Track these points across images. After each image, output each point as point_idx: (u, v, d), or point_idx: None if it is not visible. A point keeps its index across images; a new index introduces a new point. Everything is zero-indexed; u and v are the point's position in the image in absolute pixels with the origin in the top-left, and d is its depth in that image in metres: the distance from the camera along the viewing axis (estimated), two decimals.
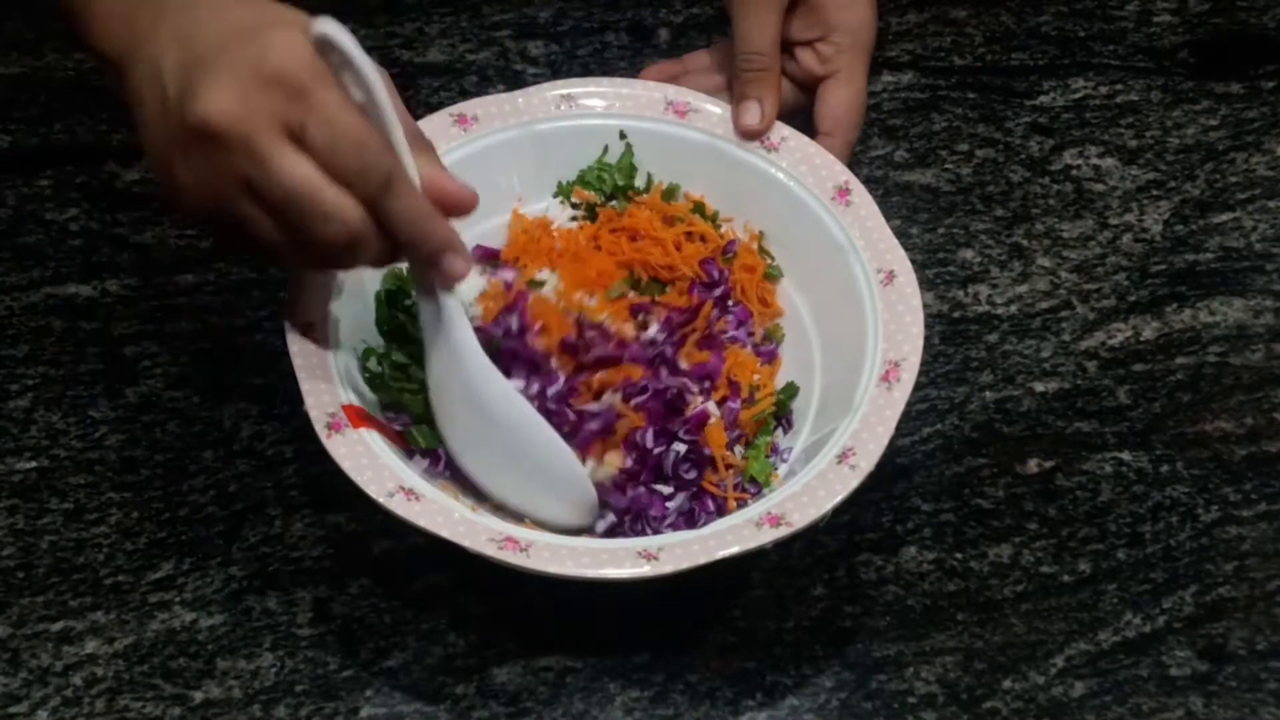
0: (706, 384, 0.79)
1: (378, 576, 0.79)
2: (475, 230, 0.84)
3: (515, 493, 0.76)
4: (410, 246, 0.67)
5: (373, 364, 0.78)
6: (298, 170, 0.62)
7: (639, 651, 0.77)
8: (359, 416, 0.73)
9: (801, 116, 0.88)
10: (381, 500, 0.70)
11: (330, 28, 0.62)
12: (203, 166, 0.63)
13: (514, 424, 0.74)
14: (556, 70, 0.99)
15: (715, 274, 0.83)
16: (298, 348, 0.75)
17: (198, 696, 0.75)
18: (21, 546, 0.79)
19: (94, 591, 0.77)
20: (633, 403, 0.76)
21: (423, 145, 0.68)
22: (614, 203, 0.86)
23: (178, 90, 0.62)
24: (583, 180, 0.86)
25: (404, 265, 0.80)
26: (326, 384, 0.74)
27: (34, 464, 0.81)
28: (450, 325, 0.72)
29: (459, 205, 0.69)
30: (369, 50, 0.64)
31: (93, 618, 0.77)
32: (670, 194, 0.86)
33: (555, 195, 0.86)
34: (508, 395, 0.74)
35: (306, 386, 0.73)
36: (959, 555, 0.81)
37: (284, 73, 0.61)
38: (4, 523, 0.79)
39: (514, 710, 0.75)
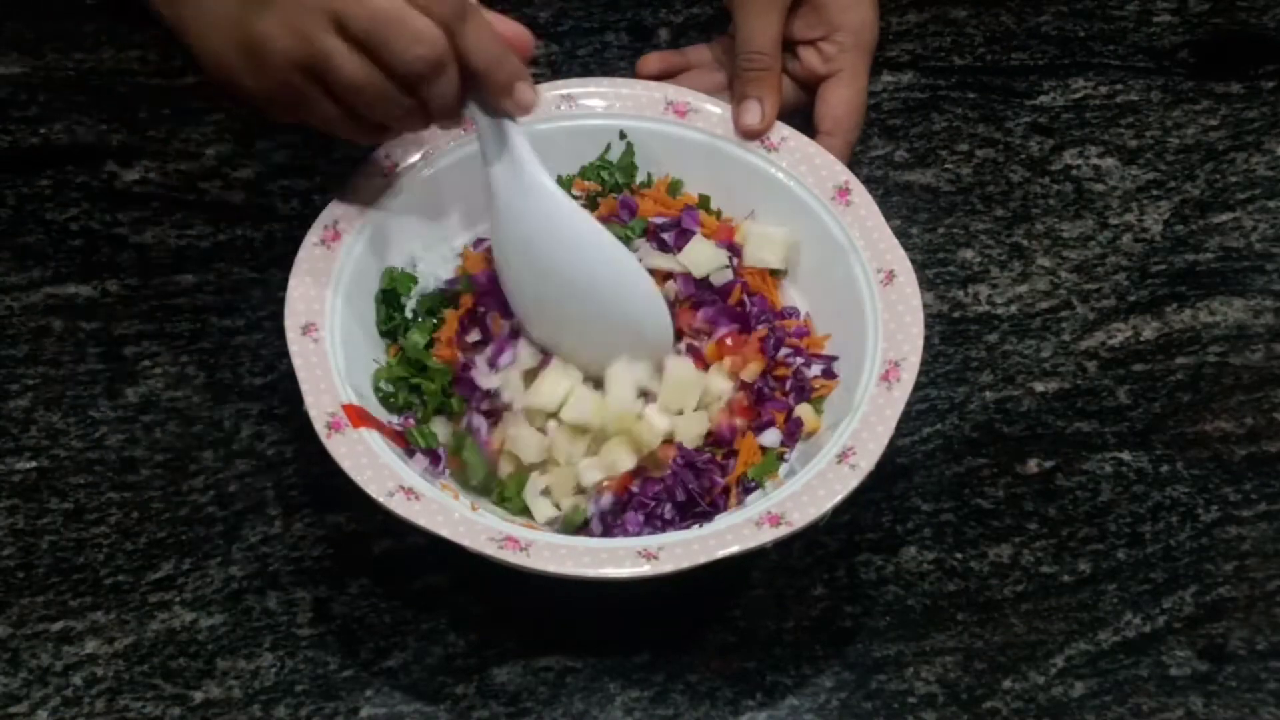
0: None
1: (378, 576, 0.79)
2: (478, 229, 0.84)
3: (591, 337, 0.78)
4: (486, 74, 0.71)
5: (384, 385, 0.79)
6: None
7: (639, 651, 0.77)
8: (359, 416, 0.73)
9: (801, 115, 0.88)
10: (381, 500, 0.70)
11: None
12: (289, 9, 0.68)
13: (586, 243, 0.77)
14: (556, 70, 0.99)
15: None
16: (298, 348, 0.75)
17: (198, 696, 0.75)
18: (21, 546, 0.79)
19: (94, 591, 0.77)
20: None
21: None
22: (615, 195, 0.86)
23: None
24: (583, 175, 0.86)
25: (401, 264, 0.81)
26: (326, 384, 0.74)
27: (34, 464, 0.81)
28: (522, 161, 0.75)
29: (520, 42, 0.73)
30: None
31: (93, 618, 0.77)
32: (675, 188, 0.86)
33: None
34: (576, 214, 0.77)
35: (306, 386, 0.73)
36: (959, 555, 0.81)
37: None
38: (4, 523, 0.79)
39: (514, 710, 0.75)
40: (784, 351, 0.80)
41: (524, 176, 0.76)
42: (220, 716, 0.74)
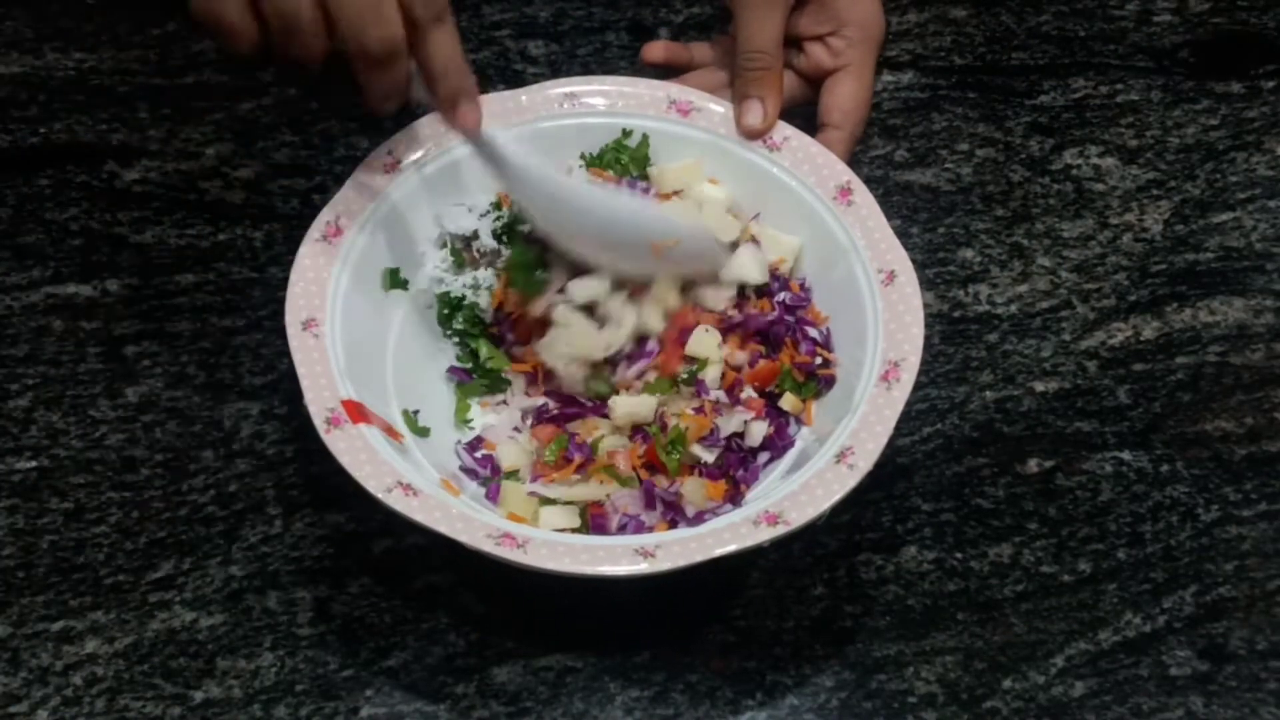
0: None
1: (378, 576, 0.79)
2: (479, 224, 0.84)
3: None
4: (433, 82, 0.73)
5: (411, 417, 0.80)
6: None
7: (639, 651, 0.77)
8: (358, 412, 0.73)
9: (804, 110, 0.88)
10: (379, 495, 0.70)
11: None
12: None
13: (599, 204, 0.81)
14: (556, 70, 0.99)
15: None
16: (298, 343, 0.75)
17: (198, 696, 0.75)
18: (21, 546, 0.79)
19: (94, 591, 0.77)
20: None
21: None
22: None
23: None
24: (597, 161, 0.86)
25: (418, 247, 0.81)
26: (326, 379, 0.74)
27: (34, 464, 0.81)
28: (511, 160, 0.78)
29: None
30: None
31: (93, 617, 0.77)
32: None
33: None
34: (579, 190, 0.81)
35: (306, 382, 0.73)
36: (959, 555, 0.81)
37: None
38: (4, 523, 0.79)
39: (514, 710, 0.75)
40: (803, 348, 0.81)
41: (529, 172, 0.78)
42: (220, 716, 0.74)
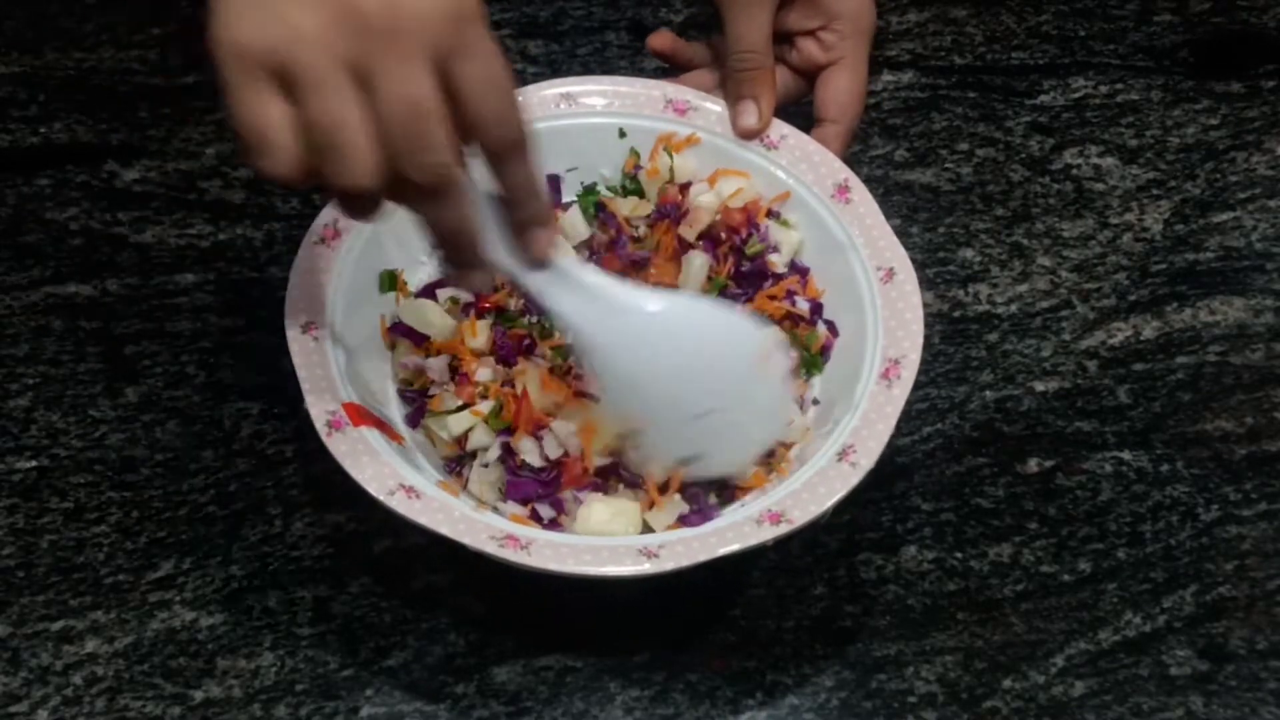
0: None
1: (378, 576, 0.79)
2: None
3: (717, 442, 0.75)
4: (514, 207, 0.66)
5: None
6: (425, 87, 0.58)
7: (639, 651, 0.77)
8: (359, 414, 0.73)
9: (798, 104, 0.88)
10: (382, 498, 0.70)
11: None
12: (339, 41, 0.57)
13: (687, 320, 0.73)
14: (556, 69, 0.99)
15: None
16: (298, 346, 0.75)
17: (198, 696, 0.75)
18: (21, 546, 0.79)
19: (94, 591, 0.77)
20: None
21: None
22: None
23: None
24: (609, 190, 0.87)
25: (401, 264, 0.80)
26: (326, 382, 0.74)
27: (34, 464, 0.81)
28: (573, 283, 0.70)
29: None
30: None
31: (93, 617, 0.77)
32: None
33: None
34: (657, 297, 0.74)
35: (307, 385, 0.73)
36: (959, 555, 0.81)
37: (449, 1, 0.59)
38: (4, 522, 0.79)
39: (514, 710, 0.75)
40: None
41: (587, 292, 0.71)
42: (220, 716, 0.74)
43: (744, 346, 0.75)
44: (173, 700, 0.74)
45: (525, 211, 0.67)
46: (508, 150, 0.64)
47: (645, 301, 0.73)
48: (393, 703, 0.75)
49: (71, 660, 0.75)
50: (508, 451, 0.76)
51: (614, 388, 0.74)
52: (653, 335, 0.73)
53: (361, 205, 0.62)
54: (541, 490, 0.75)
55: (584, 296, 0.71)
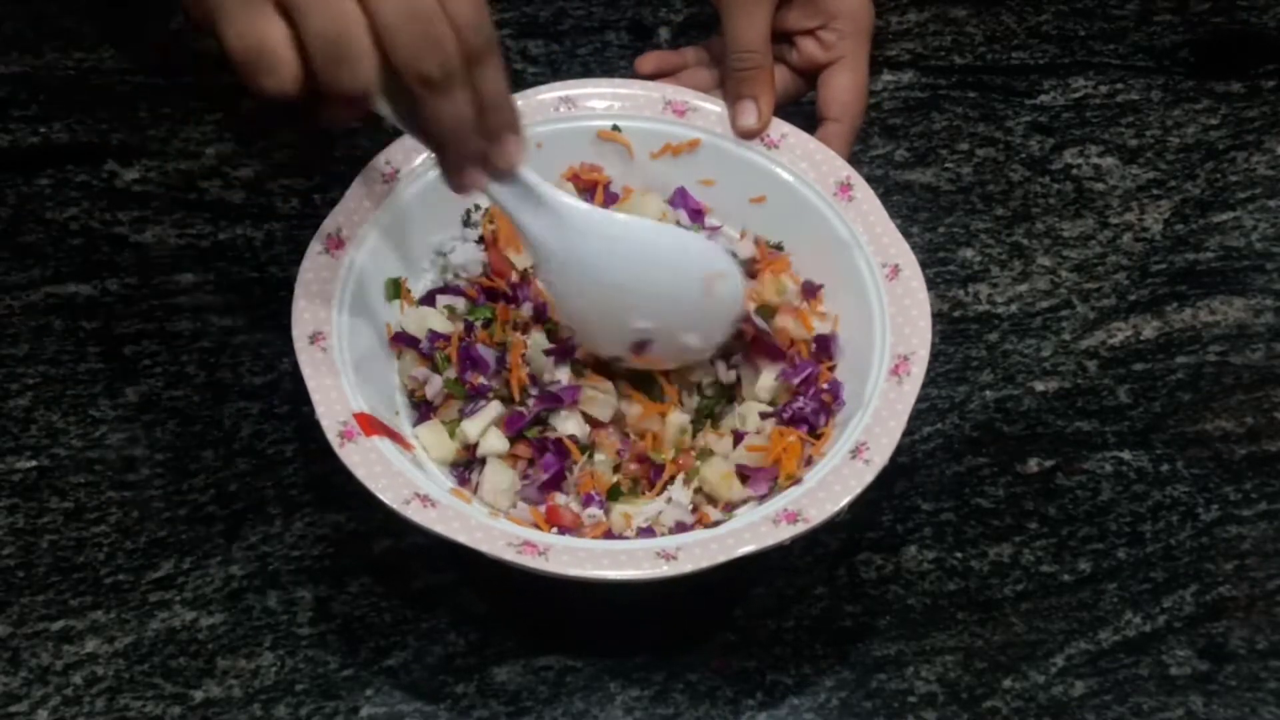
0: None
1: (378, 575, 0.79)
2: (478, 231, 0.84)
3: (661, 336, 0.77)
4: (487, 112, 0.67)
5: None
6: None
7: (639, 651, 0.77)
8: (370, 424, 0.73)
9: (798, 104, 0.88)
10: (398, 508, 0.70)
11: None
12: None
13: (641, 241, 0.76)
14: (556, 70, 0.99)
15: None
16: (306, 357, 0.74)
17: (198, 696, 0.75)
18: (21, 546, 0.79)
19: (94, 591, 0.77)
20: None
21: None
22: None
23: None
24: None
25: (406, 271, 0.80)
26: (337, 393, 0.74)
27: (34, 463, 0.81)
28: (538, 197, 0.73)
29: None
30: None
31: (93, 617, 0.77)
32: None
33: None
34: (616, 220, 0.76)
35: (317, 396, 0.73)
36: (959, 554, 0.81)
37: None
38: (4, 522, 0.79)
39: (514, 710, 0.75)
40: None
41: (552, 208, 0.73)
42: (220, 716, 0.74)
43: (694, 268, 0.77)
44: (173, 700, 0.74)
45: (497, 118, 0.69)
46: (479, 56, 0.66)
47: (606, 224, 0.75)
48: (393, 703, 0.75)
49: (71, 660, 0.75)
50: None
51: (566, 297, 0.76)
52: (608, 254, 0.75)
53: (354, 108, 0.65)
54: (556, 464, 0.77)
55: (548, 214, 0.73)
